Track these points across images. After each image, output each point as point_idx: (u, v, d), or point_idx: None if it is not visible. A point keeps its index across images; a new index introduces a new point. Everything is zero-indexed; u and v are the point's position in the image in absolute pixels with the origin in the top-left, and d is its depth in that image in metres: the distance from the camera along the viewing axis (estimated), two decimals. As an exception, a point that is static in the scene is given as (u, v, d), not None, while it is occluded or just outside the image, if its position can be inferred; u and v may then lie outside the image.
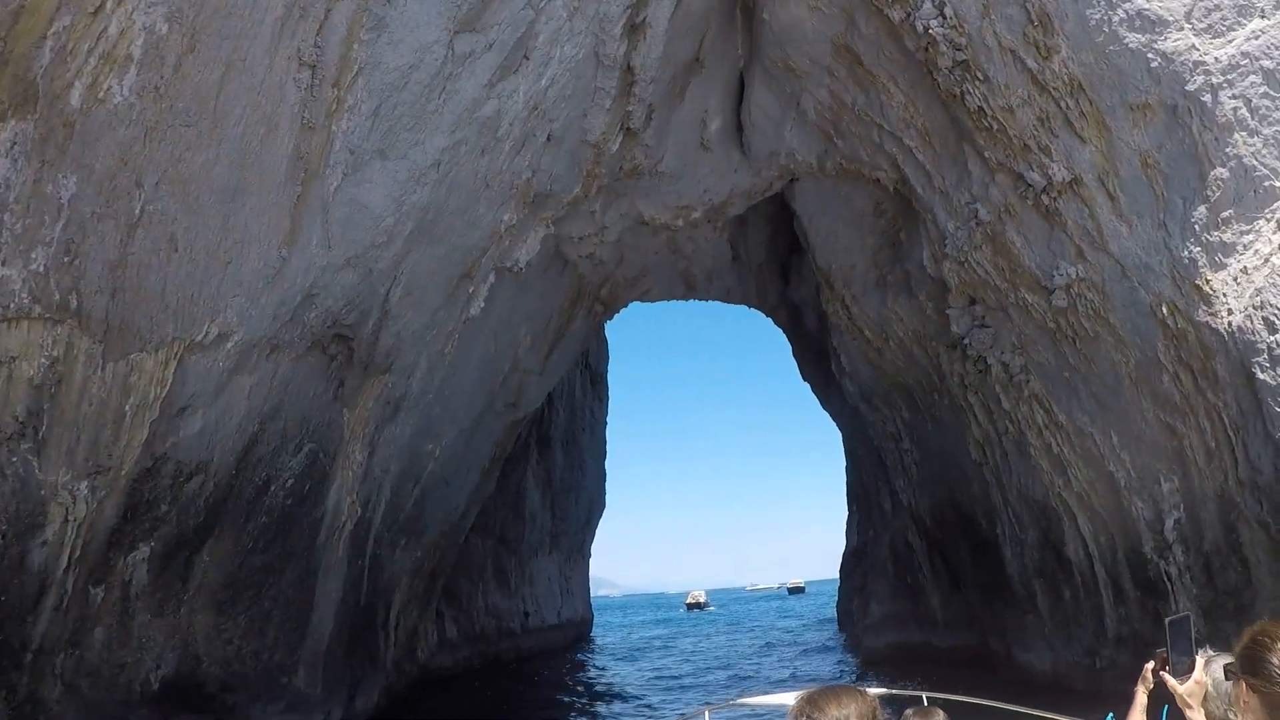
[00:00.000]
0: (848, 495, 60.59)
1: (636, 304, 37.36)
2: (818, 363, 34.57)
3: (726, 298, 36.79)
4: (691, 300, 38.00)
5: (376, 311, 16.68)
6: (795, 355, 37.09)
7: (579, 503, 58.34)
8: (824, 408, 36.70)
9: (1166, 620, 3.79)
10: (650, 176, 23.95)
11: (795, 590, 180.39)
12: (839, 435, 46.24)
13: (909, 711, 4.87)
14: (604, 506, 64.14)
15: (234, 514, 14.70)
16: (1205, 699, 3.63)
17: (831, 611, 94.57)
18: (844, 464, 60.45)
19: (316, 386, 16.19)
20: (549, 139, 19.21)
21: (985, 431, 22.04)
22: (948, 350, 22.44)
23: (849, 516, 62.76)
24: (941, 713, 4.78)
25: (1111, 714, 5.29)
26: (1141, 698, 4.02)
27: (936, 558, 28.68)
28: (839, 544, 49.18)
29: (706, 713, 8.64)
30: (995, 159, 17.81)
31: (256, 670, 16.27)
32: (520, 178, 18.99)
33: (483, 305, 20.50)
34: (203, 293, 12.83)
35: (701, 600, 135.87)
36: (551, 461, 52.99)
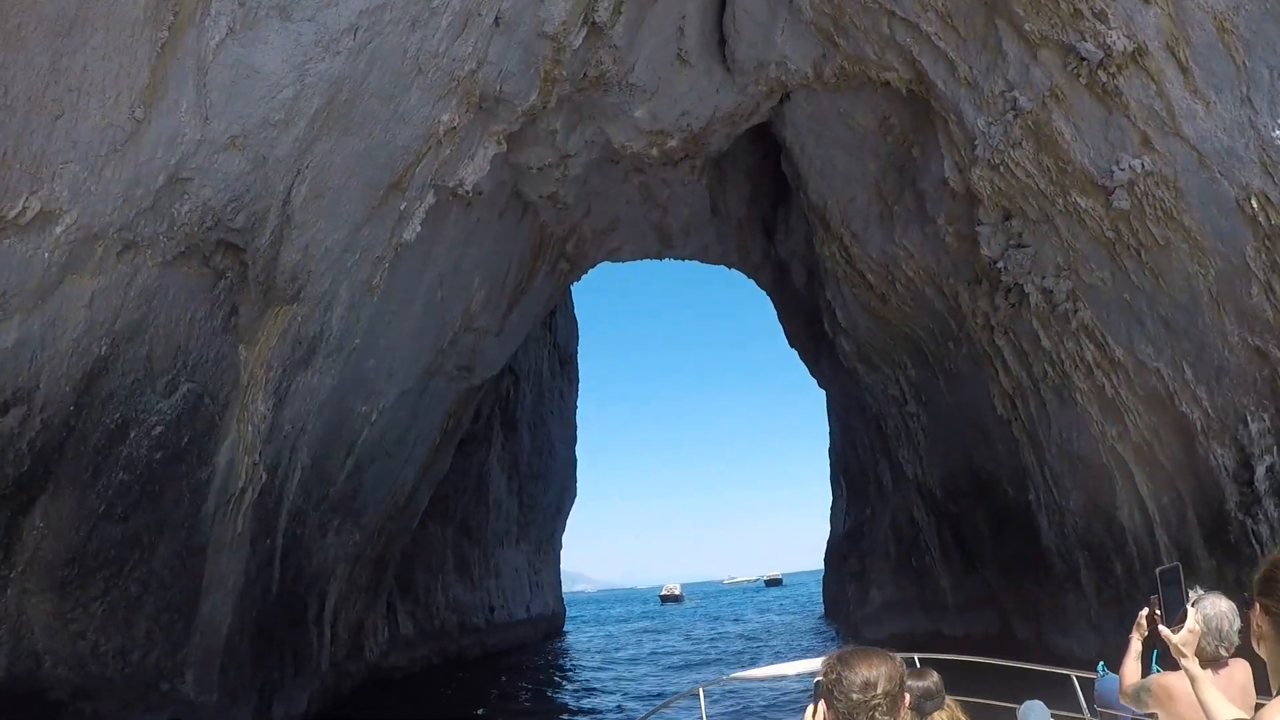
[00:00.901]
0: (833, 475, 57.35)
1: (607, 265, 34.09)
2: (807, 324, 31.32)
3: (704, 256, 33.48)
4: (667, 260, 34.82)
5: (275, 215, 13.21)
6: (781, 319, 33.80)
7: (548, 490, 54.88)
8: (813, 375, 33.42)
9: (1157, 570, 3.90)
10: (620, 90, 20.58)
11: (773, 582, 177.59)
12: (823, 419, 43.11)
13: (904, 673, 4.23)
14: (575, 495, 60.71)
15: (76, 465, 11.20)
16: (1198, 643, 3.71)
17: (815, 602, 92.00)
18: (828, 444, 57.50)
19: (197, 308, 12.71)
20: (497, 22, 15.80)
21: (1015, 380, 18.81)
22: (970, 286, 19.20)
23: (834, 499, 59.56)
24: (935, 674, 4.85)
25: (1103, 662, 6.38)
26: (1136, 644, 4.37)
27: (947, 535, 25.48)
28: (819, 534, 45.87)
29: (701, 690, 8.43)
30: (1038, 31, 14.55)
31: (125, 673, 12.78)
32: (462, 68, 15.56)
33: (419, 230, 17.04)
34: (19, 151, 9.36)
35: (676, 593, 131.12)
36: (518, 445, 49.51)
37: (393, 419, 22.80)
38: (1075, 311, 16.15)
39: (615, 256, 32.46)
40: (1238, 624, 4.17)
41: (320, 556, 22.23)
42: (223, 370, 13.59)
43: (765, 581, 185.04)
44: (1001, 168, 15.91)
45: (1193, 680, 3.56)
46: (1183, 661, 3.62)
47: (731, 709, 21.56)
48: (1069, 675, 6.79)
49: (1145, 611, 4.20)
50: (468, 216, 21.20)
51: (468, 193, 18.37)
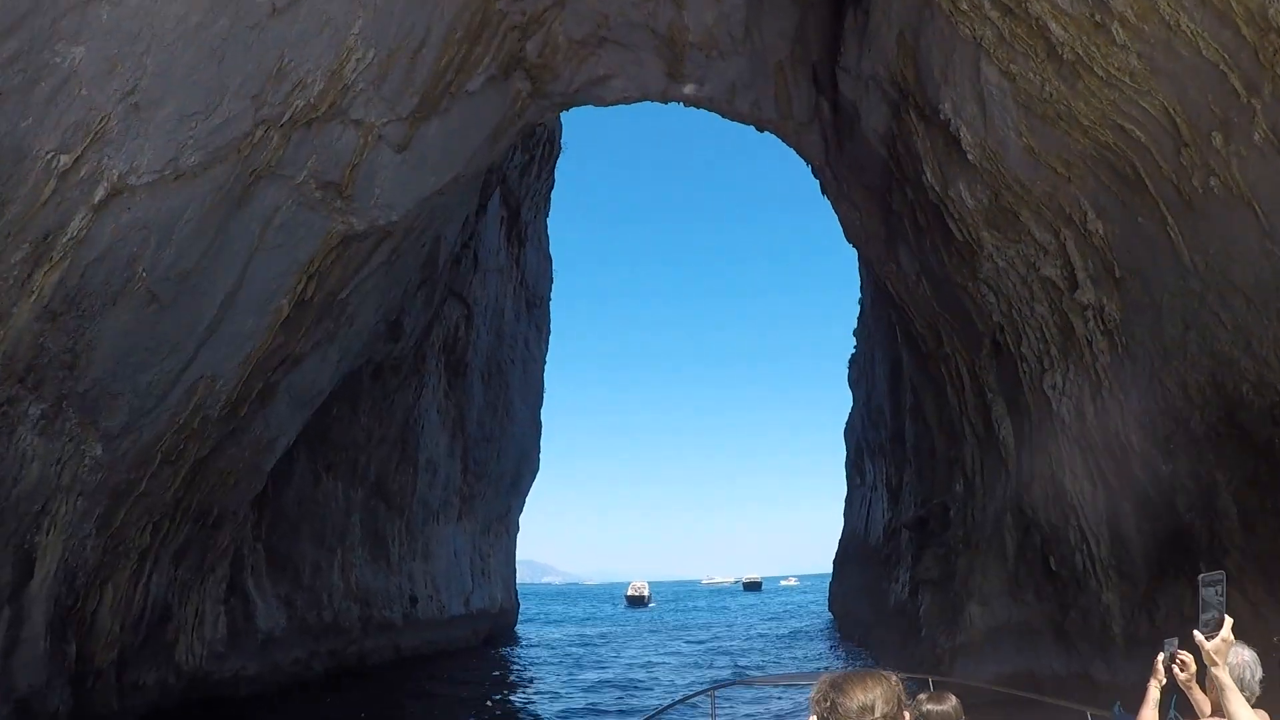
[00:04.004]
0: (854, 459, 46.83)
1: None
2: (880, 199, 20.98)
3: (729, 102, 23.08)
4: (672, 107, 24.56)
5: None
6: (837, 201, 23.40)
7: (502, 457, 44.35)
8: (879, 282, 22.97)
9: (1199, 578, 3.73)
10: None
11: (751, 586, 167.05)
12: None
13: (922, 695, 4.64)
14: (537, 467, 50.12)
15: None
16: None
17: (807, 613, 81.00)
18: (845, 421, 47.01)
19: None
20: None
21: None
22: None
23: (851, 489, 49.11)
24: (953, 697, 4.59)
25: (1119, 702, 6.21)
26: (1154, 692, 4.29)
27: (1132, 520, 15.09)
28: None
29: (714, 693, 8.34)
30: None
31: None
32: None
33: None
34: None
35: (644, 593, 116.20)
36: (465, 395, 38.98)
37: (169, 230, 12.44)
38: None
39: (601, 90, 22.01)
40: (1259, 673, 4.30)
41: (24, 483, 11.76)
42: None
43: (743, 585, 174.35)
44: None
45: (1221, 689, 3.62)
46: (1214, 670, 3.62)
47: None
48: (1084, 713, 6.61)
49: (1162, 656, 4.25)
50: None
51: None
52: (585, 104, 22.90)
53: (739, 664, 34.18)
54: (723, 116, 23.90)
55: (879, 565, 32.94)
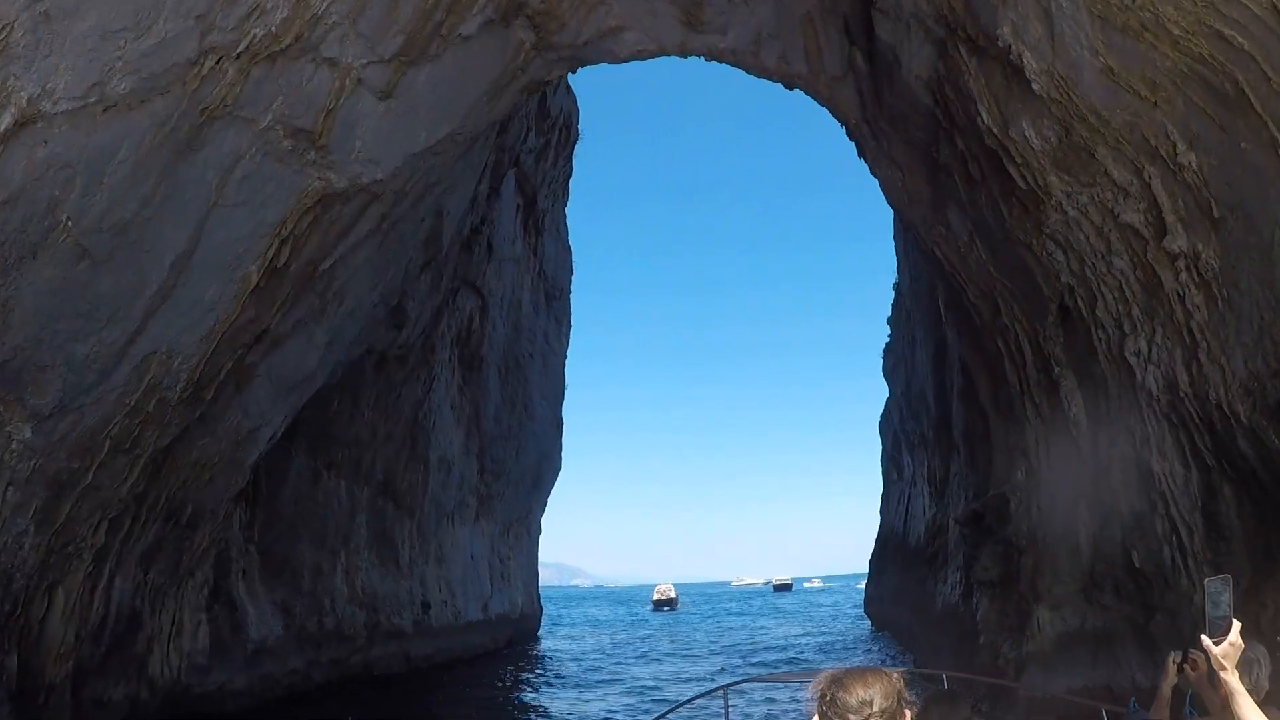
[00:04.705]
0: (891, 453, 44.45)
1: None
2: (924, 151, 18.86)
3: (753, 55, 20.95)
4: (690, 62, 22.63)
5: None
6: (875, 161, 21.28)
7: (521, 455, 42.39)
8: (925, 245, 20.84)
9: (1205, 581, 3.72)
10: None
11: (782, 587, 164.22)
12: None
13: (929, 696, 4.61)
14: (559, 466, 48.13)
15: None
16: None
17: (843, 612, 78.61)
18: (880, 413, 44.59)
19: None
20: None
21: None
22: None
23: (887, 485, 46.74)
24: (968, 707, 4.53)
25: (1134, 699, 6.50)
26: (1165, 691, 4.45)
27: (1233, 502, 12.93)
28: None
29: (725, 692, 8.30)
30: None
31: None
32: None
33: None
34: None
35: (670, 596, 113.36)
36: (481, 390, 37.05)
37: (98, 171, 10.53)
38: None
39: (613, 44, 20.00)
40: (1268, 669, 4.27)
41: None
42: None
43: (774, 586, 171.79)
44: None
45: (1230, 694, 3.55)
46: (1222, 674, 3.57)
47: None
48: (1100, 709, 6.75)
49: (1174, 656, 4.38)
50: None
51: None
52: (596, 61, 20.89)
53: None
54: (747, 72, 21.82)
55: (922, 565, 30.70)
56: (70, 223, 10.68)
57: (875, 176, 21.82)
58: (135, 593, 15.90)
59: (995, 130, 15.19)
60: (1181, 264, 12.92)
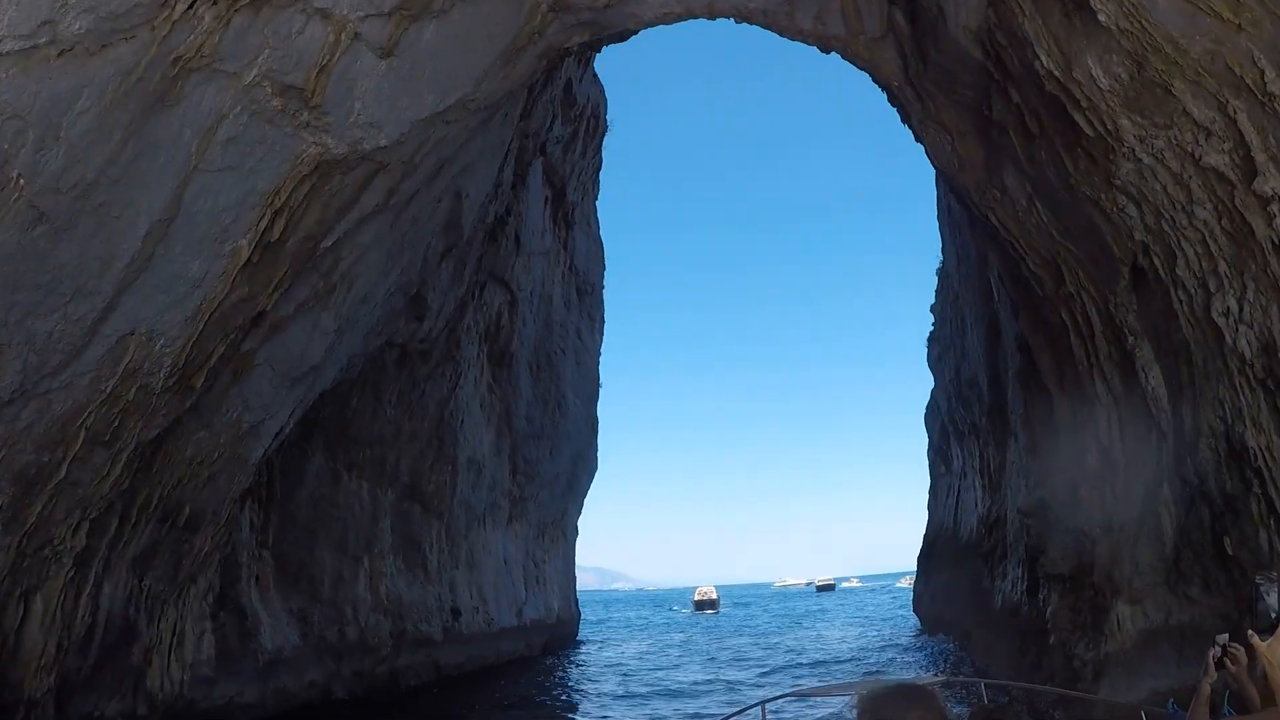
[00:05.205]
0: (939, 445, 42.51)
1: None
2: (976, 116, 17.39)
3: (788, 19, 19.53)
4: (719, 26, 21.25)
5: None
6: (920, 125, 19.81)
7: (555, 455, 41.11)
8: (978, 213, 19.32)
9: (1255, 577, 4.23)
10: None
11: (825, 588, 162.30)
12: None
13: (973, 713, 4.49)
14: (596, 466, 46.83)
15: None
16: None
17: (889, 612, 76.48)
18: (927, 403, 42.69)
19: None
20: None
21: None
22: None
23: (935, 478, 44.79)
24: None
25: (1172, 700, 6.66)
26: (1205, 688, 4.28)
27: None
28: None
29: (765, 707, 8.19)
30: None
31: None
32: None
33: None
34: None
35: (712, 598, 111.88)
36: (511, 388, 35.81)
37: (53, 124, 9.33)
38: None
39: (635, 7, 18.65)
40: None
41: None
42: None
43: (817, 587, 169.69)
44: None
45: (1277, 689, 3.69)
46: (1272, 672, 3.78)
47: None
48: (1139, 711, 6.72)
49: (1214, 653, 4.30)
50: None
51: None
52: (619, 26, 19.56)
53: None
54: (780, 34, 20.40)
55: (977, 561, 29.06)
56: (22, 180, 9.47)
57: (921, 143, 20.38)
58: (128, 600, 14.71)
59: (1057, 73, 13.71)
60: (1275, 208, 11.42)
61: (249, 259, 12.94)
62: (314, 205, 13.90)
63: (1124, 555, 14.99)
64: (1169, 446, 14.45)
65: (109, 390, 11.85)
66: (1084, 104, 13.56)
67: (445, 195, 20.48)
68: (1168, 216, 13.58)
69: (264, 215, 12.89)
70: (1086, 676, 15.00)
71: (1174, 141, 12.88)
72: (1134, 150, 13.35)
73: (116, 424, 12.35)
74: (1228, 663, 4.25)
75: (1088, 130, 13.75)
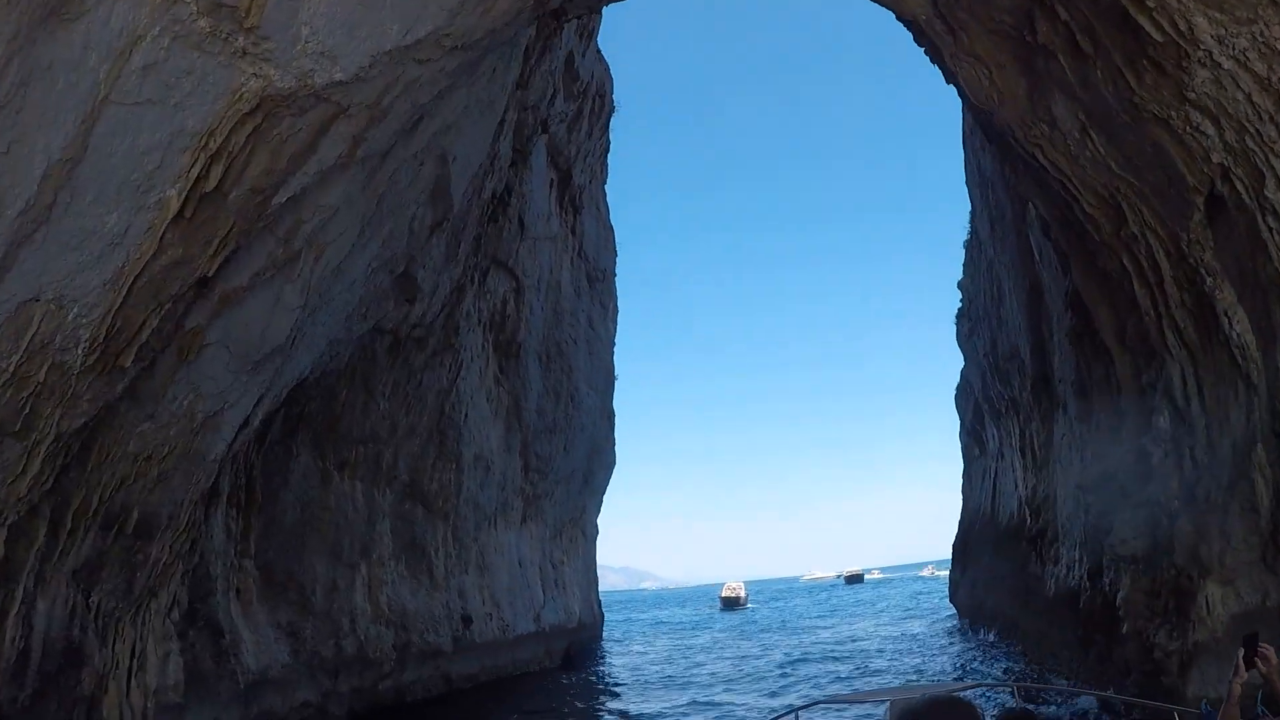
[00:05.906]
0: (971, 424, 40.22)
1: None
2: (1017, 42, 15.40)
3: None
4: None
5: None
6: (958, 58, 17.81)
7: (571, 451, 39.23)
8: (1024, 151, 17.28)
9: None
10: None
11: (853, 579, 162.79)
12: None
13: (1000, 716, 4.61)
14: (614, 461, 44.92)
15: None
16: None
17: (923, 602, 74.34)
18: (957, 383, 40.43)
19: None
20: None
21: None
22: None
23: (969, 461, 42.67)
24: None
25: (1205, 700, 6.10)
26: (1236, 688, 4.27)
27: None
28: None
29: (796, 717, 8.21)
30: None
31: None
32: None
33: None
34: None
35: (739, 594, 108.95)
36: (520, 380, 33.96)
37: None
38: None
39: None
40: None
41: None
42: None
43: (845, 579, 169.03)
44: None
45: None
46: None
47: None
48: (1172, 711, 6.53)
49: (1243, 652, 4.28)
50: None
51: None
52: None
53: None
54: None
55: (1022, 545, 26.97)
56: None
57: (953, 83, 18.41)
58: (70, 619, 12.88)
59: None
60: None
61: (180, 212, 11.04)
62: (260, 151, 11.99)
63: (1211, 529, 12.94)
64: (1261, 400, 12.41)
65: (12, 369, 10.00)
66: (1151, 3, 11.57)
67: (428, 157, 18.60)
68: (1252, 131, 11.58)
69: (196, 160, 10.98)
70: (1171, 669, 12.98)
71: (1259, 39, 10.92)
72: (1211, 54, 11.36)
73: (27, 410, 10.51)
74: (1258, 662, 4.22)
75: (1155, 35, 11.76)
